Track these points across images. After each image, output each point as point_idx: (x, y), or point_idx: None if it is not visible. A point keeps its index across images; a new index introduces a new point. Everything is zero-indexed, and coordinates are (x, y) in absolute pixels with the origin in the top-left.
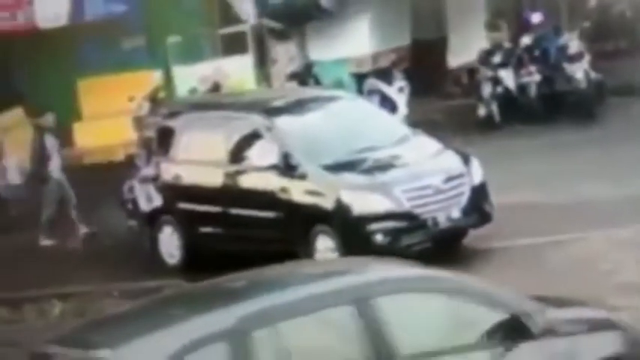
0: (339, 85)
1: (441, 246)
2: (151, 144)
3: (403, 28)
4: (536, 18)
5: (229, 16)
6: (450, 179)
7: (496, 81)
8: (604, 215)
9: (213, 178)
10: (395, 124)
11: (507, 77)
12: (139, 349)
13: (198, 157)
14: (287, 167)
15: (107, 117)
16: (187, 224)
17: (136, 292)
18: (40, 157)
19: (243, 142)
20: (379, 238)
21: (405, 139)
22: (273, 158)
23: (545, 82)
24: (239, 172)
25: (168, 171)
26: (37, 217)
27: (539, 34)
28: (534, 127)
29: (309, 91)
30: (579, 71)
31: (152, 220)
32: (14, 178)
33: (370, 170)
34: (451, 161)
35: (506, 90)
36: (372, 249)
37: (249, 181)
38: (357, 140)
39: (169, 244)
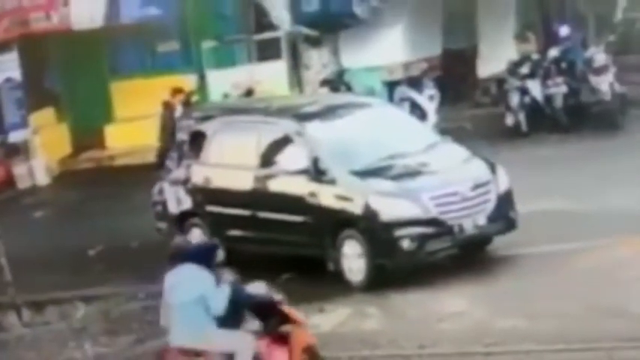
0: (370, 92)
1: (466, 252)
2: (183, 146)
3: (435, 38)
4: (563, 31)
5: (264, 23)
6: (476, 187)
7: (524, 91)
8: (629, 222)
9: (243, 181)
10: (424, 132)
11: (535, 88)
12: None
13: (229, 160)
14: (316, 172)
15: (139, 119)
16: (216, 227)
17: (160, 294)
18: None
19: (274, 146)
20: (406, 243)
21: (434, 147)
22: (303, 163)
23: (571, 93)
24: (269, 176)
25: (199, 174)
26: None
27: (567, 46)
28: (560, 136)
29: (340, 98)
30: (604, 83)
31: (181, 223)
32: (42, 179)
33: (399, 176)
34: (478, 169)
35: (534, 100)
36: (399, 254)
37: (278, 185)
38: (387, 147)
39: None
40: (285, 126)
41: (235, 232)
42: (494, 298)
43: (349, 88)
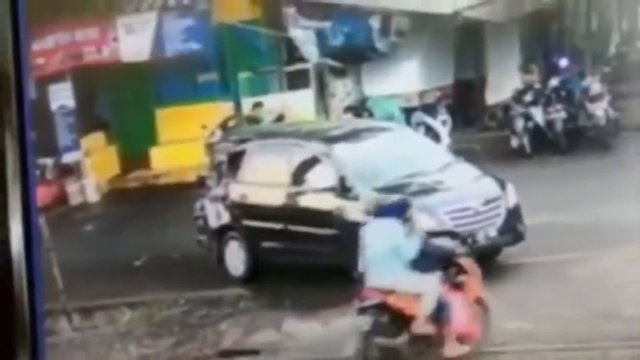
0: (389, 117)
1: (478, 261)
2: (222, 167)
3: (447, 68)
4: (563, 63)
5: (295, 56)
6: (488, 202)
7: (527, 117)
8: (620, 233)
9: (275, 198)
10: (440, 152)
11: (537, 114)
12: None
13: (263, 179)
14: (342, 189)
15: (181, 142)
16: (251, 239)
17: (199, 300)
18: None
19: (304, 166)
20: None
21: (448, 166)
22: (331, 181)
23: (570, 118)
24: (299, 193)
25: (236, 191)
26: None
27: (566, 77)
28: (560, 157)
29: (363, 122)
30: (599, 110)
31: (220, 236)
32: (92, 196)
33: (417, 193)
34: (489, 186)
35: (536, 125)
36: None
37: (308, 201)
38: (406, 166)
39: (235, 257)
40: (314, 148)
41: (268, 244)
42: (502, 302)
43: (371, 114)
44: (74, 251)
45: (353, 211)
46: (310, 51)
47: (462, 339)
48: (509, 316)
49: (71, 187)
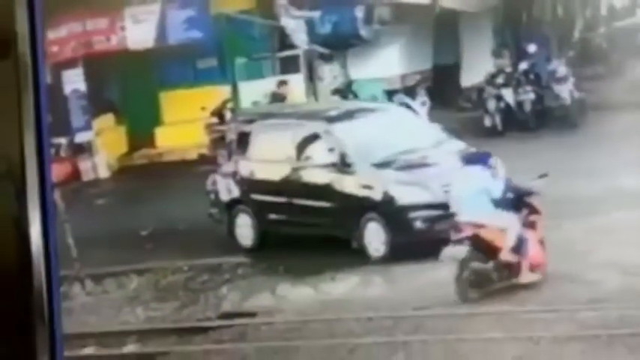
0: (373, 99)
1: None
2: (232, 145)
3: (426, 54)
4: (531, 48)
5: (286, 43)
6: None
7: (499, 98)
8: (582, 205)
9: (280, 173)
10: (432, 131)
11: (508, 95)
12: None
13: (269, 156)
14: (343, 165)
15: (183, 123)
16: (259, 212)
17: (201, 267)
18: None
19: (306, 143)
20: (419, 224)
21: (441, 143)
22: (331, 157)
23: (538, 99)
24: (302, 169)
25: (245, 167)
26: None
27: (534, 61)
28: (529, 134)
29: (356, 104)
30: (565, 91)
31: (230, 209)
32: (103, 172)
33: (412, 167)
34: None
35: (507, 105)
36: (413, 233)
37: (310, 177)
38: (401, 143)
39: (244, 229)
40: (315, 126)
41: (274, 216)
42: None
43: (356, 96)
44: (87, 223)
45: (352, 185)
46: (300, 38)
47: (533, 269)
48: None
49: (84, 165)
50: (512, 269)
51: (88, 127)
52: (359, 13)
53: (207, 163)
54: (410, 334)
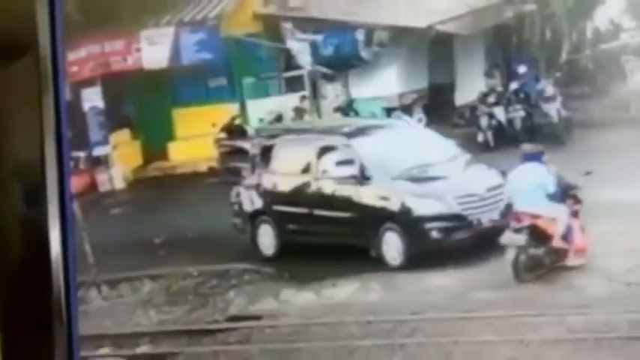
0: (373, 116)
1: (482, 241)
2: (255, 159)
3: (422, 74)
4: (521, 69)
5: (291, 64)
6: (491, 189)
7: (491, 116)
8: None
9: (302, 186)
10: (447, 146)
11: (499, 113)
12: None
13: (291, 169)
14: (362, 177)
15: (195, 138)
16: (280, 223)
17: (210, 273)
18: None
19: (326, 157)
20: (435, 234)
21: (455, 158)
22: (351, 170)
23: (527, 117)
24: (323, 181)
25: (268, 180)
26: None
27: (524, 81)
28: (519, 150)
29: (372, 120)
30: (553, 109)
31: (253, 219)
32: (119, 184)
33: (428, 180)
34: (492, 175)
35: (499, 123)
36: (429, 243)
37: (330, 188)
38: (418, 157)
39: (267, 238)
40: (335, 141)
41: (295, 227)
42: (470, 274)
43: (356, 114)
44: (103, 231)
45: (371, 196)
46: (305, 60)
47: (578, 253)
48: (475, 288)
49: (100, 177)
50: (561, 254)
51: (105, 141)
52: (359, 36)
53: (216, 175)
54: (407, 336)
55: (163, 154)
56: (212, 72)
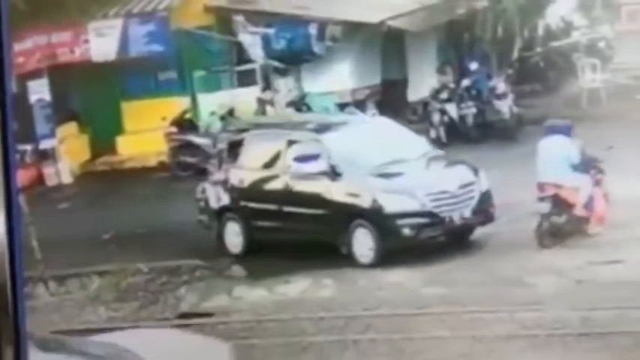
0: (326, 111)
1: (453, 238)
2: (222, 154)
3: (375, 70)
4: (473, 66)
5: (243, 57)
6: (463, 186)
7: (443, 112)
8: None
9: (271, 181)
10: (419, 142)
11: (451, 109)
12: None
13: (260, 165)
14: (333, 173)
15: (144, 132)
16: (248, 219)
17: (160, 269)
18: None
19: (295, 153)
20: (406, 231)
21: (427, 154)
22: (321, 166)
23: (479, 113)
24: (292, 177)
25: (235, 176)
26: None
27: (476, 78)
28: (471, 146)
29: (341, 116)
30: (505, 106)
31: (219, 216)
32: (66, 178)
33: (399, 177)
34: (464, 172)
35: (451, 119)
36: (400, 240)
37: (300, 185)
38: (389, 154)
39: (233, 236)
40: (304, 136)
41: (264, 223)
42: (426, 272)
43: (309, 109)
44: (50, 226)
45: (341, 193)
46: (257, 53)
47: (599, 221)
48: (428, 285)
49: (48, 170)
50: (582, 222)
51: (52, 134)
52: (312, 30)
53: (166, 169)
54: (360, 333)
55: (112, 148)
56: (162, 65)
